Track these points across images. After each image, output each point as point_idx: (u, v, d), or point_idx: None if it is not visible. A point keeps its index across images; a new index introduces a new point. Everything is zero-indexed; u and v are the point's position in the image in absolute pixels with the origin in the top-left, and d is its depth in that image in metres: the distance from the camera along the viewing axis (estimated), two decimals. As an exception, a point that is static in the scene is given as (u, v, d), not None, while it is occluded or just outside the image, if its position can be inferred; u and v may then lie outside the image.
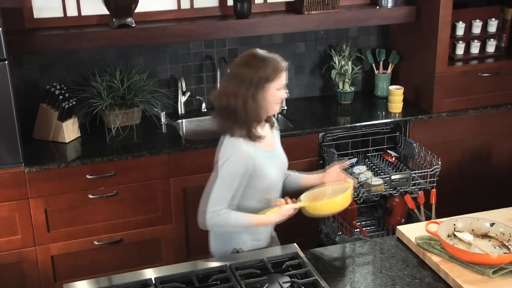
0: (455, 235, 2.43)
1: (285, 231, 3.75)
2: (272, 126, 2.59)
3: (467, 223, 2.46)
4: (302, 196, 2.52)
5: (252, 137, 2.41)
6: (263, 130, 2.49)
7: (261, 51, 2.41)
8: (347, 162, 2.86)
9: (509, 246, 2.36)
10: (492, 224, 2.44)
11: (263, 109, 2.39)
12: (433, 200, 3.26)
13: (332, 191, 2.53)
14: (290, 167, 3.62)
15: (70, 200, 3.30)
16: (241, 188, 2.43)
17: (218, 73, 3.92)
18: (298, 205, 2.45)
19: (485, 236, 2.44)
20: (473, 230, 2.45)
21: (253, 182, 2.43)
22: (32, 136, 3.51)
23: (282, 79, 2.38)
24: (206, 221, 2.42)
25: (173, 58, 3.84)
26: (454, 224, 2.45)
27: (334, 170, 2.59)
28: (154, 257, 3.54)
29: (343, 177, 2.57)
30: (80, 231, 3.38)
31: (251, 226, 2.47)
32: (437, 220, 2.46)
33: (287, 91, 2.46)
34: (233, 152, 2.39)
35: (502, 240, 2.40)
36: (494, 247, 2.36)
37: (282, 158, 2.58)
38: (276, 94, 2.38)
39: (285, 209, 2.44)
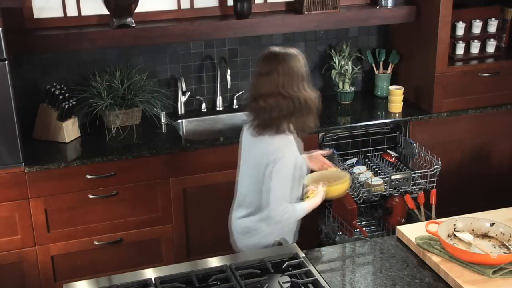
0: (455, 235, 2.43)
1: (285, 231, 3.75)
2: None
3: (467, 223, 2.46)
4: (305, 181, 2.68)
5: (307, 129, 2.56)
6: None
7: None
8: (329, 151, 2.98)
9: (509, 246, 2.36)
10: (492, 224, 2.44)
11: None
12: (433, 200, 3.26)
13: (327, 177, 2.72)
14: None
15: (70, 200, 3.30)
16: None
17: (218, 73, 3.92)
18: (324, 188, 2.65)
19: (485, 236, 2.44)
20: (473, 230, 2.45)
21: (296, 171, 2.56)
22: (32, 136, 3.51)
23: None
24: (277, 218, 2.53)
25: (173, 58, 3.84)
26: (454, 224, 2.45)
27: (318, 157, 2.78)
28: (154, 257, 3.54)
29: (327, 164, 2.77)
30: (80, 231, 3.38)
31: (309, 211, 2.62)
32: (437, 220, 2.46)
33: None
34: (288, 148, 2.52)
35: (502, 240, 2.40)
36: (494, 247, 2.37)
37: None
38: None
39: (321, 191, 2.61)
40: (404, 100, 3.86)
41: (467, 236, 2.41)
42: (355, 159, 3.68)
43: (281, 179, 2.49)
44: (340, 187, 2.68)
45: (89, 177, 3.29)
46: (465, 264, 2.25)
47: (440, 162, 3.40)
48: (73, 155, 3.37)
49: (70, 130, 3.48)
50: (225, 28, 3.61)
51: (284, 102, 2.46)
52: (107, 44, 3.45)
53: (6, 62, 3.00)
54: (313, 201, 2.61)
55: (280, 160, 2.47)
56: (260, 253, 2.43)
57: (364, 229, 3.56)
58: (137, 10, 3.53)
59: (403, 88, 3.84)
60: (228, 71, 3.76)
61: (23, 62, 3.57)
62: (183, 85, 3.80)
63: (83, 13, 3.58)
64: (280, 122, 2.49)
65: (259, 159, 2.53)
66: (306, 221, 3.79)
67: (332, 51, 4.05)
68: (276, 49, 2.54)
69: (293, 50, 2.54)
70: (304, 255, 2.36)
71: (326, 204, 3.76)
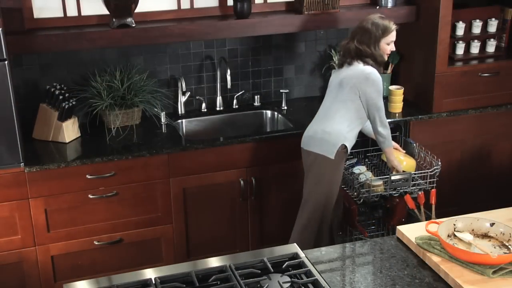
0: (455, 235, 2.43)
1: (285, 231, 3.77)
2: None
3: (467, 223, 2.46)
4: None
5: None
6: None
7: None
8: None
9: (509, 246, 2.36)
10: (492, 224, 2.43)
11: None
12: (433, 200, 3.26)
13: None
14: (290, 167, 3.64)
15: (70, 200, 3.30)
16: None
17: (218, 73, 3.92)
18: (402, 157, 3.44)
19: (485, 236, 2.44)
20: (473, 230, 2.45)
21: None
22: (32, 136, 3.51)
23: (393, 36, 3.34)
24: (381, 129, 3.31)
25: (173, 58, 3.84)
26: (454, 224, 2.45)
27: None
28: (154, 257, 3.54)
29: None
30: (80, 231, 3.38)
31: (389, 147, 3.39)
32: (437, 220, 2.46)
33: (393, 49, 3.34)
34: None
35: (502, 240, 2.40)
36: (494, 247, 2.36)
37: None
38: (385, 47, 3.33)
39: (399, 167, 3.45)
40: (404, 100, 3.86)
41: (467, 236, 2.41)
42: (355, 159, 3.68)
43: (376, 98, 3.34)
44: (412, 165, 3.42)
45: (89, 177, 3.29)
46: (465, 264, 2.25)
47: (440, 163, 3.40)
48: (73, 155, 3.37)
49: (70, 130, 3.48)
50: (225, 28, 3.61)
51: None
52: (107, 44, 3.45)
53: (6, 62, 3.00)
54: (392, 150, 3.40)
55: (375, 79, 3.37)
56: (260, 253, 2.43)
57: (364, 229, 3.56)
58: (137, 10, 3.53)
59: (403, 88, 3.84)
60: (228, 71, 3.76)
61: (23, 62, 3.57)
62: (183, 85, 3.80)
63: (83, 13, 3.58)
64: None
65: None
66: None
67: (332, 51, 4.05)
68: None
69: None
70: (304, 255, 2.36)
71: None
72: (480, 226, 2.45)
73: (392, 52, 4.05)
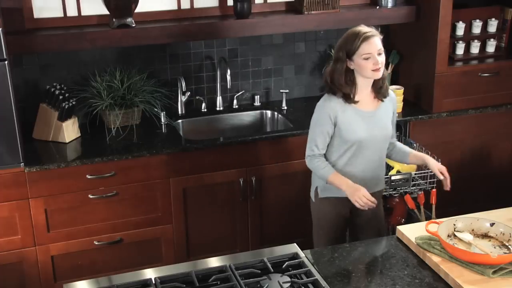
0: (455, 235, 2.43)
1: (285, 231, 3.77)
2: (379, 94, 2.86)
3: (467, 223, 2.46)
4: None
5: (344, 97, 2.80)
6: (362, 94, 2.82)
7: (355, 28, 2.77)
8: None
9: (509, 246, 2.36)
10: (492, 224, 2.44)
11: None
12: (433, 200, 3.26)
13: None
14: (290, 167, 3.63)
15: (70, 200, 3.30)
16: (328, 137, 2.84)
17: (218, 73, 3.92)
18: (374, 204, 2.76)
19: (485, 236, 2.44)
20: (473, 230, 2.45)
21: (338, 132, 2.81)
22: (32, 136, 3.51)
23: (367, 49, 2.69)
24: (306, 162, 2.91)
25: (173, 58, 3.84)
26: (454, 224, 2.45)
27: (437, 165, 2.90)
28: (154, 257, 3.54)
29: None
30: (80, 231, 3.38)
31: (325, 179, 2.85)
32: (437, 220, 2.46)
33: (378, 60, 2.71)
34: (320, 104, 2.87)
35: (502, 240, 2.40)
36: (494, 247, 2.36)
37: (380, 123, 2.86)
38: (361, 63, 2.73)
39: (357, 193, 2.73)
40: (404, 100, 3.86)
41: (467, 236, 2.41)
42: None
43: (311, 128, 2.88)
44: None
45: (89, 177, 3.29)
46: (465, 264, 2.25)
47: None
48: (73, 155, 3.37)
49: (70, 130, 3.48)
50: (225, 28, 3.61)
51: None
52: (107, 44, 3.45)
53: (6, 62, 3.00)
54: (336, 177, 2.79)
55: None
56: (260, 253, 2.43)
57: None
58: (137, 10, 3.53)
59: (403, 88, 3.84)
60: (228, 71, 3.76)
61: (23, 62, 3.57)
62: (183, 85, 3.80)
63: (83, 13, 3.58)
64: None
65: None
66: (306, 221, 3.80)
67: (332, 51, 4.04)
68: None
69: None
70: (304, 255, 2.36)
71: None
72: (480, 226, 2.45)
73: (392, 52, 4.08)
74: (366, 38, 2.68)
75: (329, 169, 2.82)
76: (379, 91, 2.84)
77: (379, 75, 2.73)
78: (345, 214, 2.96)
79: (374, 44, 2.69)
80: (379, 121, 2.85)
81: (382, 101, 2.87)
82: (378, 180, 2.96)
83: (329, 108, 2.79)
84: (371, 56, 2.68)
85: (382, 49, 2.73)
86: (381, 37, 2.76)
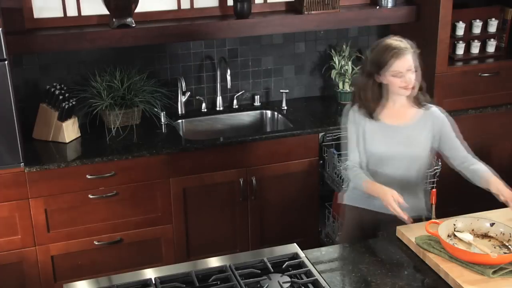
0: (455, 235, 2.43)
1: (285, 231, 3.77)
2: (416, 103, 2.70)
3: (467, 223, 2.46)
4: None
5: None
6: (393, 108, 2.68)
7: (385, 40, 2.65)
8: None
9: (509, 246, 2.36)
10: (492, 224, 2.44)
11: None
12: (433, 200, 3.25)
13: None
14: (290, 167, 3.63)
15: (70, 200, 3.30)
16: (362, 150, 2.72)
17: (218, 73, 3.92)
18: (406, 217, 2.46)
19: (485, 236, 2.44)
20: (473, 230, 2.45)
21: (363, 145, 2.70)
22: (32, 136, 3.51)
23: (397, 66, 2.54)
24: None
25: (173, 58, 3.84)
26: (454, 224, 2.45)
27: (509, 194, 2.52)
28: (154, 257, 3.54)
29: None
30: (80, 231, 3.38)
31: (360, 188, 2.68)
32: (437, 220, 2.46)
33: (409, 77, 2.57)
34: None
35: (502, 240, 2.40)
36: (494, 247, 2.37)
37: (406, 140, 2.67)
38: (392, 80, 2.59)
39: (389, 202, 2.48)
40: (404, 100, 3.85)
41: (467, 236, 2.41)
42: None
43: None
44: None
45: (89, 177, 3.29)
46: (465, 264, 2.25)
47: (440, 163, 3.40)
48: (73, 155, 3.37)
49: (70, 130, 3.48)
50: (225, 28, 3.61)
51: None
52: (107, 44, 3.45)
53: (6, 62, 3.00)
54: (371, 185, 2.59)
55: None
56: (260, 253, 2.43)
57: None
58: (137, 10, 3.53)
59: (403, 88, 3.83)
60: (228, 71, 3.76)
61: (23, 62, 3.57)
62: (183, 85, 3.80)
63: (83, 13, 3.58)
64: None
65: None
66: (306, 221, 3.81)
67: (332, 51, 4.05)
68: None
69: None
70: (304, 255, 2.36)
71: (326, 204, 3.77)
72: (480, 226, 2.45)
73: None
74: (397, 54, 2.54)
75: (363, 176, 2.66)
76: (415, 100, 2.70)
77: (407, 93, 2.60)
78: (369, 226, 2.77)
79: (405, 62, 2.55)
80: (405, 137, 2.67)
81: (422, 112, 2.68)
82: (405, 205, 2.52)
83: (352, 118, 2.73)
84: (401, 74, 2.55)
85: (416, 65, 2.59)
86: (416, 51, 2.61)
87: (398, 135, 2.67)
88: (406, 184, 2.70)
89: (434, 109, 2.74)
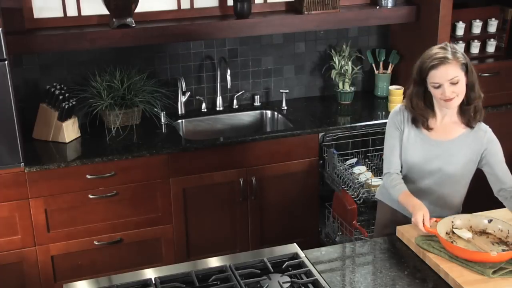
0: (453, 232, 2.43)
1: (285, 231, 3.77)
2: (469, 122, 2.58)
3: (465, 220, 2.47)
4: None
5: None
6: (439, 121, 2.58)
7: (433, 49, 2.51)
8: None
9: (507, 243, 2.36)
10: (490, 221, 2.44)
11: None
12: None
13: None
14: (290, 167, 3.63)
15: (70, 200, 3.30)
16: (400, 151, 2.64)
17: (218, 73, 3.92)
18: (424, 229, 2.40)
19: (483, 233, 2.44)
20: (471, 227, 2.46)
21: (402, 153, 2.64)
22: (32, 136, 3.51)
23: (435, 77, 2.44)
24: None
25: (173, 58, 3.84)
26: (452, 222, 2.46)
27: None
28: (154, 257, 3.54)
29: None
30: (80, 231, 3.38)
31: (396, 199, 2.60)
32: (437, 219, 2.47)
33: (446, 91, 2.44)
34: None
35: (500, 237, 2.40)
36: (493, 244, 2.37)
37: (445, 157, 2.58)
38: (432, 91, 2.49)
39: (416, 220, 2.41)
40: (404, 100, 3.85)
41: (466, 233, 2.41)
42: (355, 159, 3.68)
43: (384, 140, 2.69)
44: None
45: (89, 177, 3.29)
46: (465, 264, 2.25)
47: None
48: (73, 155, 3.37)
49: (70, 130, 3.48)
50: (225, 28, 3.61)
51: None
52: (107, 44, 3.45)
53: (6, 62, 3.00)
54: (406, 198, 2.52)
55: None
56: (260, 253, 2.43)
57: (364, 229, 3.56)
58: (137, 10, 3.53)
59: (403, 88, 3.83)
60: (228, 71, 3.76)
61: (23, 62, 3.57)
62: (183, 85, 3.80)
63: (83, 13, 3.58)
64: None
65: None
66: (306, 221, 3.81)
67: (332, 51, 4.05)
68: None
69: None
70: (304, 255, 2.36)
71: (326, 204, 3.77)
72: (478, 223, 2.46)
73: (392, 52, 4.08)
74: (435, 65, 2.42)
75: (401, 187, 2.57)
76: (466, 120, 2.57)
77: (450, 106, 2.47)
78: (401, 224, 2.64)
79: (445, 73, 2.41)
80: (444, 153, 2.58)
81: (471, 129, 2.58)
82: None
83: (399, 117, 2.61)
84: (440, 86, 2.43)
85: (459, 77, 2.43)
86: (463, 61, 2.45)
87: (435, 150, 2.58)
88: (441, 200, 2.65)
89: (484, 128, 2.62)
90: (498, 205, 2.68)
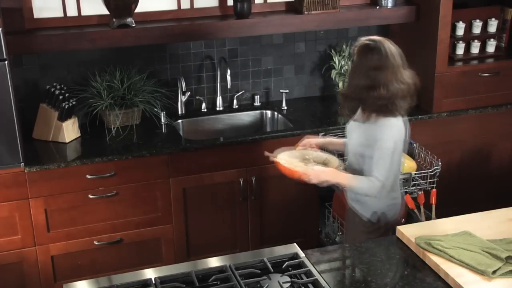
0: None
1: (285, 231, 3.77)
2: None
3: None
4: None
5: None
6: None
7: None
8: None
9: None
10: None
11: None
12: (433, 200, 3.26)
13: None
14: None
15: (70, 200, 3.30)
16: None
17: (218, 73, 3.92)
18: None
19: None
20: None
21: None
22: (32, 136, 3.51)
23: None
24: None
25: (173, 58, 3.84)
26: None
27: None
28: (154, 257, 3.54)
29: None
30: (80, 231, 3.38)
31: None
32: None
33: None
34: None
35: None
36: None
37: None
38: None
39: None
40: (404, 100, 3.85)
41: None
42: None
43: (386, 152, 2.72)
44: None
45: (89, 177, 3.29)
46: (465, 264, 2.25)
47: (440, 163, 3.40)
48: (73, 155, 3.37)
49: (70, 130, 3.48)
50: (225, 28, 3.61)
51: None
52: (107, 44, 3.46)
53: (6, 62, 3.00)
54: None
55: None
56: (260, 253, 2.43)
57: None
58: (137, 10, 3.53)
59: (403, 88, 3.83)
60: (228, 71, 3.76)
61: (23, 62, 3.57)
62: (183, 85, 3.80)
63: (83, 13, 3.58)
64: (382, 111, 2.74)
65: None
66: (306, 221, 3.81)
67: (332, 51, 4.05)
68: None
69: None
70: (304, 255, 2.36)
71: (326, 204, 3.77)
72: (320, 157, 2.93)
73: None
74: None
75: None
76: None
77: None
78: None
79: None
80: None
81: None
82: None
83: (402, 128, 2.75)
84: None
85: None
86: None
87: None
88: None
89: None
90: (498, 205, 2.69)
